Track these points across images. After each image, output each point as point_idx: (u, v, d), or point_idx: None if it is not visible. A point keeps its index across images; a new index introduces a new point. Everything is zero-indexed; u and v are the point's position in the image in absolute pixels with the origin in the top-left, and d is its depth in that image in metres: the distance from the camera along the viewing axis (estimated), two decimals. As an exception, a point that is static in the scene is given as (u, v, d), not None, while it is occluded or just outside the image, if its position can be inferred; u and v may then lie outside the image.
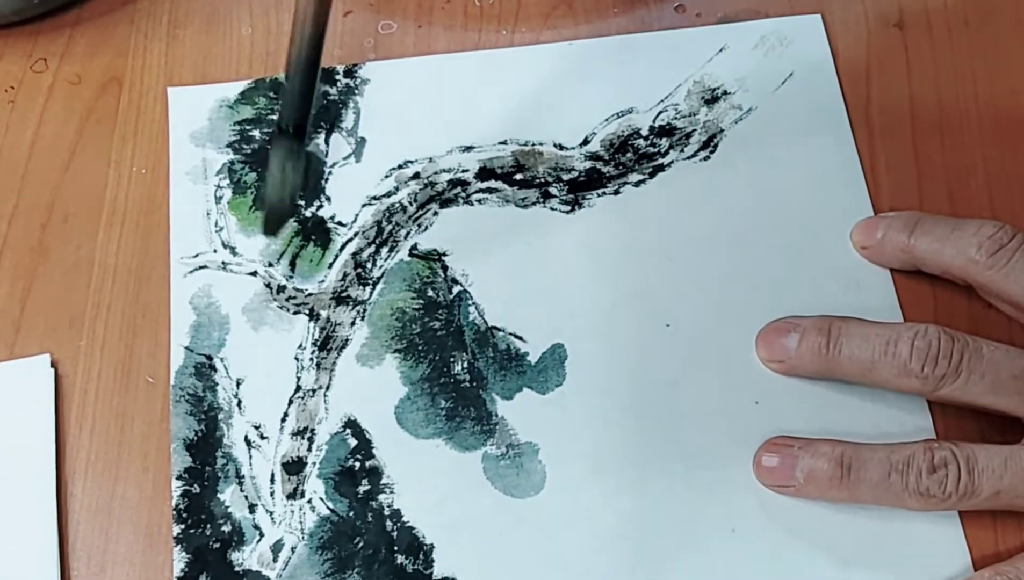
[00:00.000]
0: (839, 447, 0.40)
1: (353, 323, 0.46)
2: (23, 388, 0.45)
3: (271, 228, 0.44)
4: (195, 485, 0.43)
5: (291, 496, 0.43)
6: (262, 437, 0.44)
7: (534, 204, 0.48)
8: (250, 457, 0.43)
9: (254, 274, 0.47)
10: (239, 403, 0.44)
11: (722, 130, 0.49)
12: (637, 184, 0.48)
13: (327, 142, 0.50)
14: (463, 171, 0.49)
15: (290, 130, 0.42)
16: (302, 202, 0.48)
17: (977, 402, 0.40)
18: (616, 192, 0.48)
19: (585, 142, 0.49)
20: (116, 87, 0.52)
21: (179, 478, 0.43)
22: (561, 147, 0.49)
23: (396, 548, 0.41)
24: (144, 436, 0.44)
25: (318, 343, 0.45)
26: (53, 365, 0.45)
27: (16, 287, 0.47)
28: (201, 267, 0.47)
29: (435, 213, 0.48)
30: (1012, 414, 0.40)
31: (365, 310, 0.46)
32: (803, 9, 0.52)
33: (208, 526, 0.42)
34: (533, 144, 0.50)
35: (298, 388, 0.45)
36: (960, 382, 0.39)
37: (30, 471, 0.43)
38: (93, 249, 0.48)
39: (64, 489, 0.43)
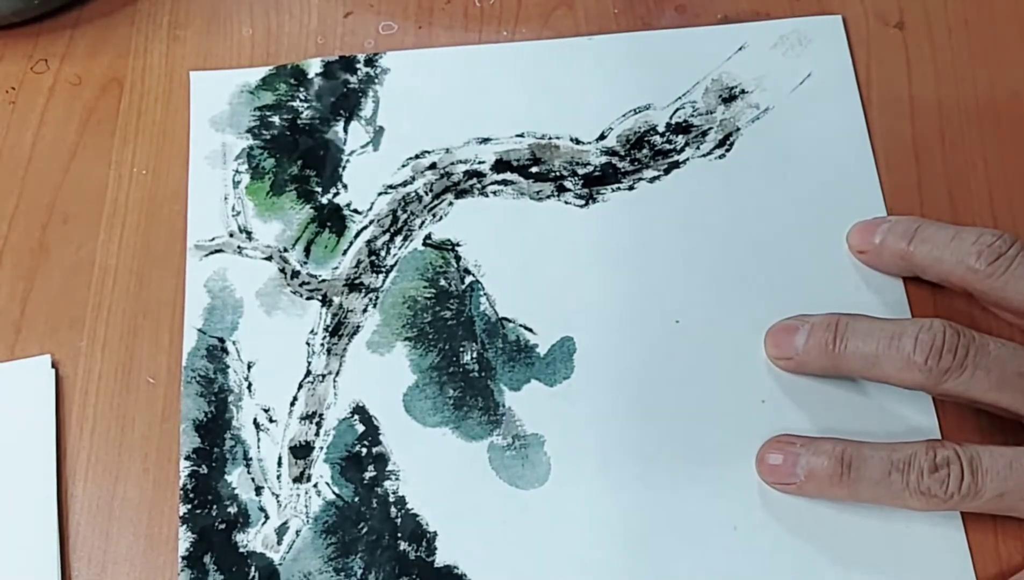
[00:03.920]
0: (840, 445, 0.40)
1: (365, 310, 0.46)
2: (24, 389, 0.45)
3: None
4: (203, 466, 0.43)
5: (297, 480, 0.43)
6: (271, 420, 0.44)
7: (549, 197, 0.48)
8: (258, 440, 0.44)
9: (269, 259, 0.47)
10: (249, 386, 0.45)
11: (738, 129, 0.49)
12: (652, 180, 0.48)
13: (346, 130, 0.50)
14: (479, 162, 0.49)
15: None
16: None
17: (981, 399, 0.40)
18: (631, 188, 0.48)
19: (601, 137, 0.49)
20: (117, 88, 0.52)
21: (187, 458, 0.43)
22: (577, 141, 0.49)
23: (400, 535, 0.42)
24: (144, 437, 0.44)
25: (329, 329, 0.46)
26: (54, 366, 0.45)
27: (17, 288, 0.47)
28: (217, 251, 0.48)
29: (450, 203, 0.48)
30: (1016, 412, 0.40)
31: (377, 297, 0.46)
32: (804, 11, 0.52)
33: (214, 507, 0.42)
34: (550, 137, 0.50)
35: (308, 373, 0.45)
36: (965, 377, 0.39)
37: (31, 472, 0.43)
38: (94, 250, 0.48)
39: (65, 490, 0.43)
